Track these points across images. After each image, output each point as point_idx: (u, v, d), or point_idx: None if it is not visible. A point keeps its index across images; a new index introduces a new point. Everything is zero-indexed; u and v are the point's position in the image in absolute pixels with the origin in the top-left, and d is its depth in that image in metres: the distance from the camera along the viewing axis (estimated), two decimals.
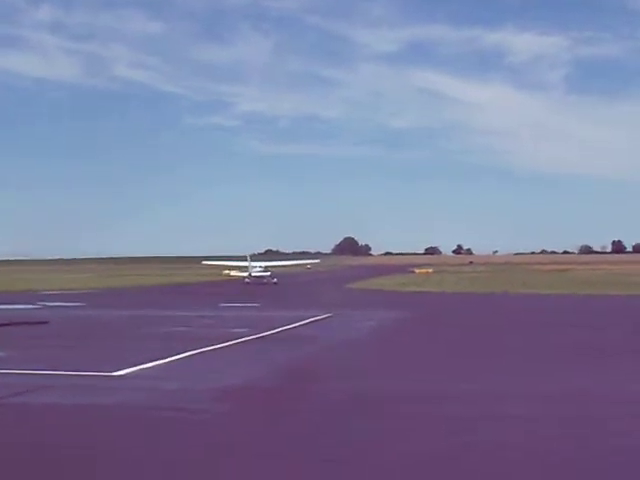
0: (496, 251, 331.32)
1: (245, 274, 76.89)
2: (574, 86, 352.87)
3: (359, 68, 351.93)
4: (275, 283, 73.71)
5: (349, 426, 11.72)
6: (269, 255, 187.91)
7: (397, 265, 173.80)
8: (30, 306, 41.24)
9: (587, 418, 12.19)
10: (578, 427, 11.54)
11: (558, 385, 15.39)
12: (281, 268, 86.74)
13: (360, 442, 10.70)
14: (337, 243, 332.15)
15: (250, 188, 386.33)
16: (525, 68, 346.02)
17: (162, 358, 18.92)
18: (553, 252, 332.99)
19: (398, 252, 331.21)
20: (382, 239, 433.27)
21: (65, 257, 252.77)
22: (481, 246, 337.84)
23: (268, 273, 77.06)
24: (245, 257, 79.61)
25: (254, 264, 78.60)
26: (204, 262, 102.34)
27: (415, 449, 10.31)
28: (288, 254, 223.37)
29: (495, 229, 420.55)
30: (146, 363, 18.08)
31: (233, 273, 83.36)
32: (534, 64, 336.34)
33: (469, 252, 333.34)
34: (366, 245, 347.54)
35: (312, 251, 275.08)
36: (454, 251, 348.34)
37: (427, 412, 12.73)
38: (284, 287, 68.94)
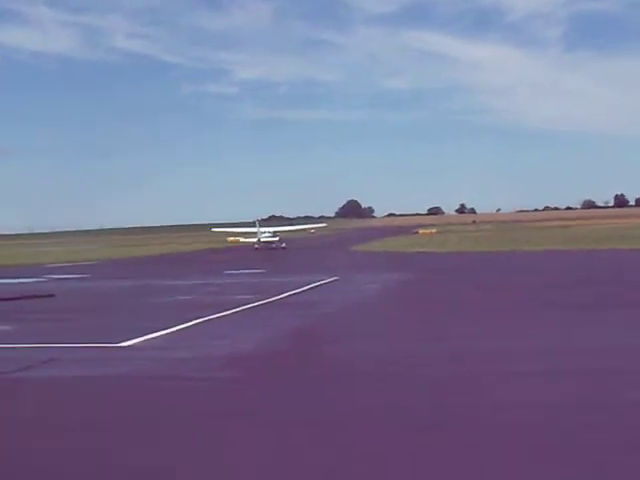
0: (499, 209, 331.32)
1: (254, 240, 77.37)
2: (572, 43, 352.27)
3: (356, 31, 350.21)
4: (284, 248, 74.32)
5: (355, 389, 11.81)
6: (273, 220, 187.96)
7: (401, 226, 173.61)
8: (36, 279, 41.34)
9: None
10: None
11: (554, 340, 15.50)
12: (288, 233, 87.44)
13: (368, 405, 10.77)
14: (340, 206, 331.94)
15: (251, 155, 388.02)
16: (523, 26, 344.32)
17: (169, 327, 19.00)
18: (556, 208, 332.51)
19: (401, 213, 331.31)
20: (385, 201, 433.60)
21: (69, 229, 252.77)
22: (484, 205, 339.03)
23: (277, 238, 77.70)
24: (253, 223, 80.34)
25: (263, 230, 79.31)
26: (213, 229, 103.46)
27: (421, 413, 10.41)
28: (292, 219, 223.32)
29: (497, 187, 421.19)
30: (153, 333, 18.16)
31: (242, 239, 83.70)
32: (532, 21, 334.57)
33: (472, 211, 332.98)
34: (369, 207, 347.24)
35: (316, 215, 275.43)
36: (457, 210, 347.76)
37: (421, 372, 12.84)
38: (292, 251, 69.54)
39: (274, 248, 74.08)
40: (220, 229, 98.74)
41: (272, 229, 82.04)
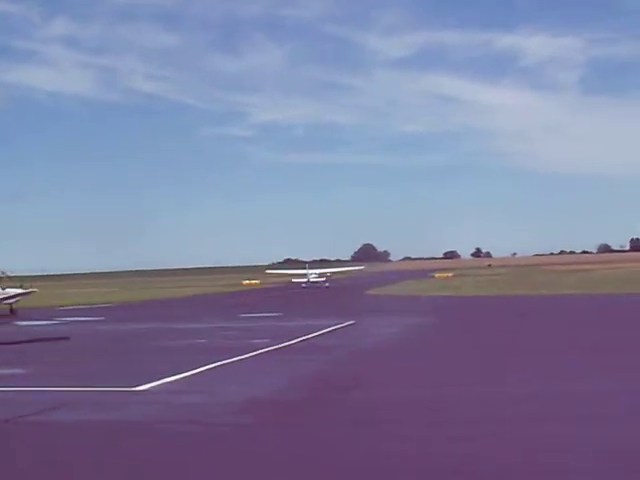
0: (515, 253, 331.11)
1: (304, 280, 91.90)
2: (589, 87, 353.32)
3: (373, 75, 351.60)
4: (327, 287, 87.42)
5: (371, 438, 11.62)
6: (289, 264, 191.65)
7: (417, 270, 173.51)
8: (50, 322, 41.28)
9: None
10: None
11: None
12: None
13: (387, 456, 10.59)
14: (356, 250, 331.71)
15: (267, 198, 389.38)
16: (539, 70, 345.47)
17: (184, 372, 18.85)
18: (572, 252, 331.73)
19: (417, 257, 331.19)
20: (400, 245, 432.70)
21: (84, 271, 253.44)
22: (500, 248, 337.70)
23: (323, 279, 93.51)
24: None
25: (311, 272, 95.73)
26: (267, 271, 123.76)
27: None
28: (307, 262, 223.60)
29: (513, 231, 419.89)
30: (168, 377, 17.99)
31: (294, 280, 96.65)
32: (548, 66, 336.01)
33: (488, 255, 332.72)
34: (385, 251, 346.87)
35: (331, 259, 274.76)
36: (473, 254, 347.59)
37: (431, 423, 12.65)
38: (331, 290, 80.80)
39: (318, 287, 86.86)
40: (274, 271, 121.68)
41: (318, 271, 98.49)
